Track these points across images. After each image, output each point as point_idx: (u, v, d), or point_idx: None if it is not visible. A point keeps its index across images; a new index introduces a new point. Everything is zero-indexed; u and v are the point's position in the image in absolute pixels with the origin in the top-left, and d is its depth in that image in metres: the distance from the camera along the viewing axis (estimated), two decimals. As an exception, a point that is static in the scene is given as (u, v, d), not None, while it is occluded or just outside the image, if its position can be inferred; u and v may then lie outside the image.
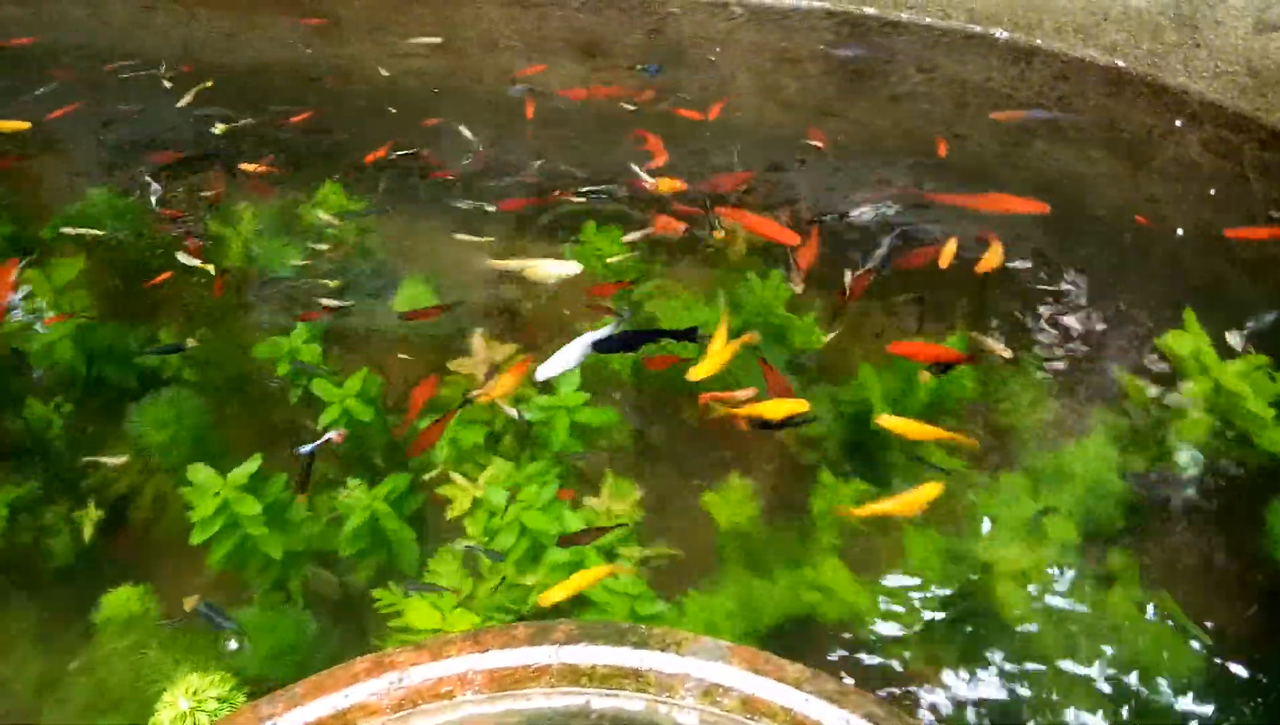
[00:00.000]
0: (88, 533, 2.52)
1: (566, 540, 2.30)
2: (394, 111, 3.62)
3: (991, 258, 2.92)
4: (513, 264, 2.96)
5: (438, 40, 3.94)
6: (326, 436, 2.49)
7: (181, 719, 1.78)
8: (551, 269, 2.92)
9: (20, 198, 3.44)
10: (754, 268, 2.93)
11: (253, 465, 2.35)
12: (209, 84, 3.66)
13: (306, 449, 2.45)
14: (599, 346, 2.51)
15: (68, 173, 3.47)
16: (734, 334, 2.64)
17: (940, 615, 2.27)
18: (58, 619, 2.30)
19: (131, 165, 3.51)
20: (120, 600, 2.19)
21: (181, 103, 3.70)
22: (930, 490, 2.33)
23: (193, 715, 1.78)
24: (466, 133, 3.50)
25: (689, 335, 2.60)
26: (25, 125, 3.44)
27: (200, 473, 2.34)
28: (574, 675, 1.48)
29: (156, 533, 2.55)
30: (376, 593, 2.33)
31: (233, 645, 2.16)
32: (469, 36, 3.97)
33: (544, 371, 2.50)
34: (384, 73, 3.82)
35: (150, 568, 2.43)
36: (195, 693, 1.81)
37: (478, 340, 2.77)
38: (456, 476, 2.48)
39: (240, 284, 3.10)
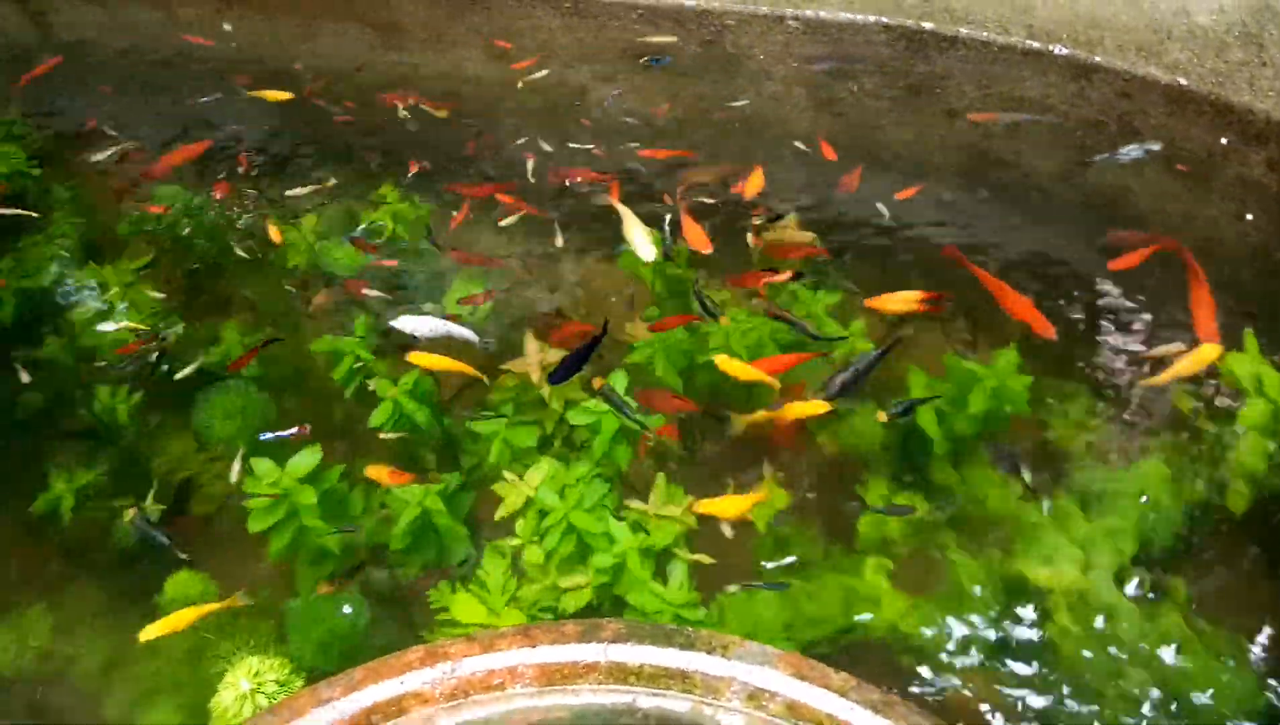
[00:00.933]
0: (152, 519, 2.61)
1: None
2: (470, 124, 3.67)
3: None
4: (622, 208, 2.98)
5: (501, 46, 4.01)
6: (291, 431, 2.55)
7: (242, 699, 1.84)
8: (639, 238, 2.90)
9: (92, 196, 3.56)
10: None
11: (312, 457, 2.41)
12: (288, 96, 3.76)
13: (266, 437, 2.52)
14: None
15: (138, 171, 3.57)
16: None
17: (986, 633, 2.27)
18: (122, 601, 2.38)
19: (200, 165, 3.62)
20: (181, 584, 2.26)
21: (248, 97, 3.81)
22: (758, 496, 2.41)
23: (253, 696, 1.84)
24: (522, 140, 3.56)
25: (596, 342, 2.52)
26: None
27: (261, 464, 2.41)
28: (621, 674, 1.50)
29: (217, 522, 2.63)
30: (431, 594, 2.38)
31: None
32: (527, 46, 4.03)
33: (401, 323, 2.66)
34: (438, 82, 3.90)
35: (207, 555, 2.51)
36: (256, 674, 1.87)
37: (530, 342, 2.81)
38: (509, 475, 2.52)
39: (305, 282, 3.18)
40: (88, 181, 3.59)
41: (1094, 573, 2.34)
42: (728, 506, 2.39)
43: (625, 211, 2.95)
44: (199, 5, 4.41)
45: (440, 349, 2.66)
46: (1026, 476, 2.45)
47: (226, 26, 4.28)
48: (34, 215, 3.36)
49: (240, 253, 3.27)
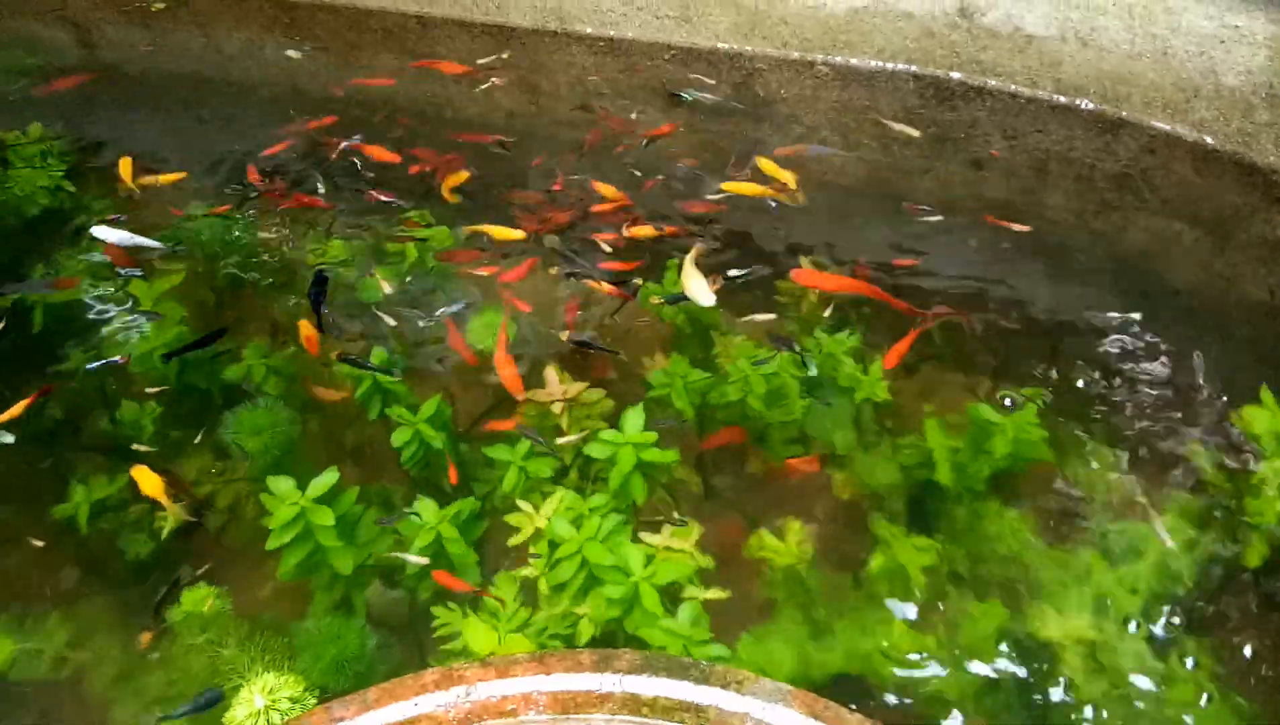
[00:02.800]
0: (165, 532, 2.62)
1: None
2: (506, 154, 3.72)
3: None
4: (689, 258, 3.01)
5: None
6: (114, 359, 2.71)
7: (256, 716, 1.83)
8: (698, 285, 2.93)
9: (135, 214, 3.62)
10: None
11: (330, 478, 2.42)
12: (330, 119, 3.82)
13: (92, 366, 2.69)
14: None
15: (177, 191, 3.64)
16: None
17: (995, 679, 2.26)
18: (135, 612, 2.39)
19: (234, 186, 3.68)
20: (198, 598, 2.27)
21: (292, 127, 3.87)
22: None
23: (266, 713, 1.84)
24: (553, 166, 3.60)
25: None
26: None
27: (280, 483, 2.42)
28: (635, 705, 1.50)
29: (229, 537, 2.65)
30: (436, 610, 2.38)
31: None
32: (560, 81, 4.10)
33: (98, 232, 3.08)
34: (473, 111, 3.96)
35: (221, 571, 2.52)
36: (270, 691, 1.87)
37: (551, 373, 2.83)
38: (523, 504, 2.53)
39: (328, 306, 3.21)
40: (121, 200, 3.65)
41: (1105, 623, 2.33)
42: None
43: (689, 259, 3.00)
44: (247, 28, 4.51)
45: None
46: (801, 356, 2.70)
47: (268, 52, 4.37)
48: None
49: (265, 274, 3.31)
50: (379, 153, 3.63)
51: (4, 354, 3.09)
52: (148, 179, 3.60)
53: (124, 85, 4.24)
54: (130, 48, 4.49)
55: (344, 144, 3.68)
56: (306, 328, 2.97)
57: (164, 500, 2.48)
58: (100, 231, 3.23)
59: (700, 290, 2.88)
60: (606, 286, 3.08)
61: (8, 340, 3.11)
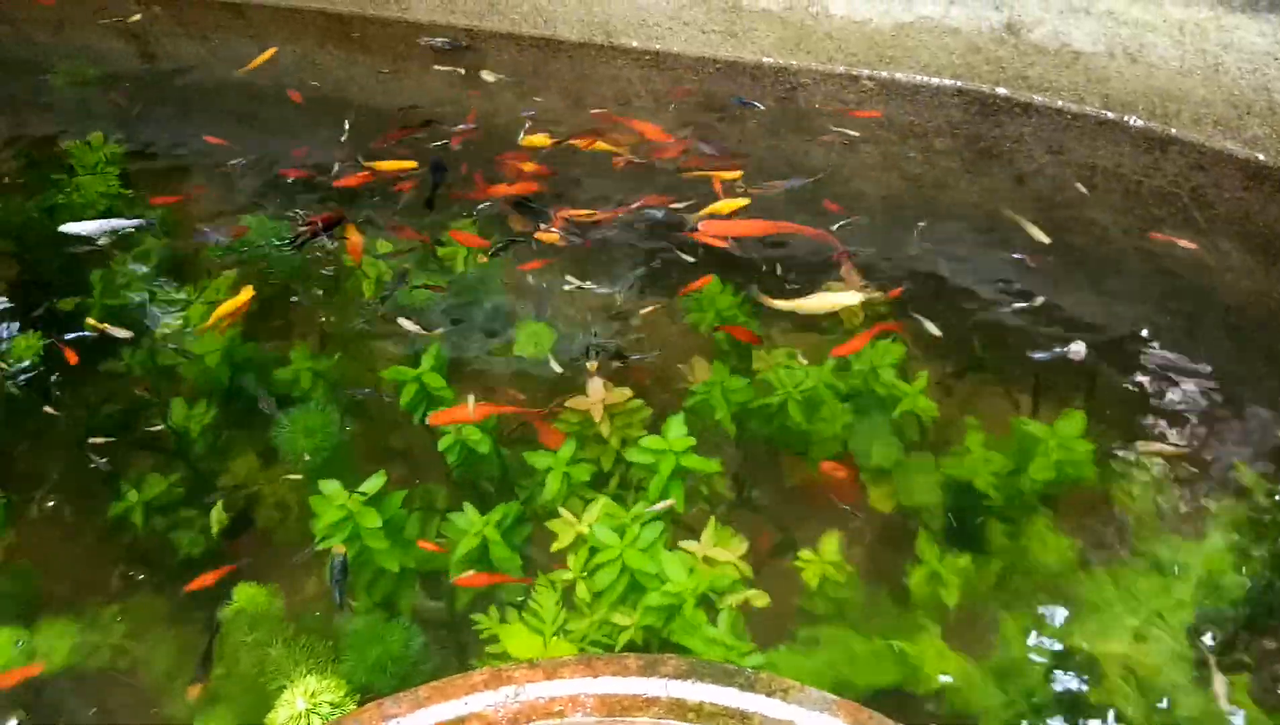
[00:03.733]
0: (214, 530, 2.69)
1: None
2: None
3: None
4: (783, 304, 3.05)
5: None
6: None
7: (297, 718, 1.87)
8: (829, 299, 3.02)
9: (185, 220, 3.71)
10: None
11: (378, 481, 2.47)
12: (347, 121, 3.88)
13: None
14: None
15: (229, 200, 3.73)
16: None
17: (1035, 696, 2.24)
18: (188, 609, 2.45)
19: (284, 196, 3.75)
20: (248, 596, 2.32)
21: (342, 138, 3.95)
22: None
23: (308, 716, 1.87)
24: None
25: None
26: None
27: (329, 484, 2.47)
28: (681, 710, 1.51)
29: (278, 537, 2.70)
30: (476, 617, 2.42)
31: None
32: (604, 94, 4.14)
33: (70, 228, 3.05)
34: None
35: (271, 569, 2.58)
36: (312, 694, 1.91)
37: (594, 381, 2.86)
38: (564, 511, 2.56)
39: (374, 311, 3.27)
40: (174, 206, 3.74)
41: (1149, 643, 2.31)
42: None
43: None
44: (297, 42, 4.61)
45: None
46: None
47: (313, 81, 4.46)
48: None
49: (315, 281, 3.38)
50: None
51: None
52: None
53: (180, 94, 4.34)
54: (187, 58, 4.59)
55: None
56: (353, 234, 3.03)
57: None
58: (70, 227, 3.33)
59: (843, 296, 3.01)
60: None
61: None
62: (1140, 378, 2.89)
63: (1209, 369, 2.89)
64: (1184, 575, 2.37)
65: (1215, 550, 2.42)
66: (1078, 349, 2.84)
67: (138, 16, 4.81)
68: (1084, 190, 3.49)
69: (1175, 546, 2.46)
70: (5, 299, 3.40)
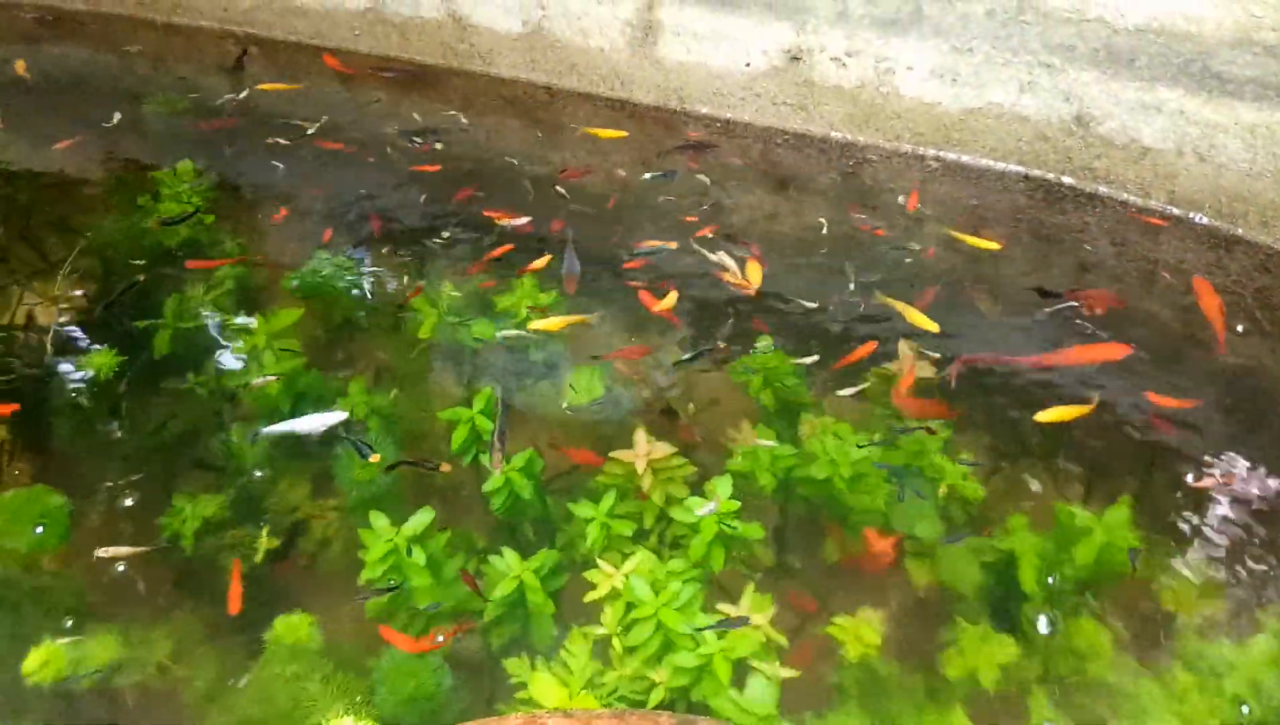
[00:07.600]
0: (259, 557, 2.75)
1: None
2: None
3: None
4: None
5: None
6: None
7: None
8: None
9: (262, 254, 3.85)
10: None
11: (426, 518, 2.52)
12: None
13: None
14: None
15: (301, 236, 3.87)
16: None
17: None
18: (231, 633, 2.51)
19: (356, 233, 3.89)
20: (291, 625, 2.37)
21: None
22: None
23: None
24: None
25: None
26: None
27: (379, 519, 2.53)
28: (705, 769, 1.51)
29: (320, 566, 2.76)
30: (507, 662, 2.44)
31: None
32: (676, 162, 4.24)
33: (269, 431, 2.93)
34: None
35: (313, 598, 2.63)
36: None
37: (640, 435, 2.89)
38: (603, 563, 2.58)
39: (433, 352, 3.36)
40: (252, 238, 3.89)
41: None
42: None
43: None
44: (384, 89, 4.80)
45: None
46: None
47: (416, 116, 4.63)
48: None
49: (377, 317, 3.49)
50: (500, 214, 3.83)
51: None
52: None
53: (267, 130, 4.53)
54: (272, 98, 4.80)
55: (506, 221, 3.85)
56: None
57: None
58: (273, 428, 3.02)
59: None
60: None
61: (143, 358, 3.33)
62: (1194, 476, 2.85)
63: (1265, 471, 2.84)
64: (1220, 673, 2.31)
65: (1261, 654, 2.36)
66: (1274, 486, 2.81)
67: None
68: (1143, 283, 3.48)
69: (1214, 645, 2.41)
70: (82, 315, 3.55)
